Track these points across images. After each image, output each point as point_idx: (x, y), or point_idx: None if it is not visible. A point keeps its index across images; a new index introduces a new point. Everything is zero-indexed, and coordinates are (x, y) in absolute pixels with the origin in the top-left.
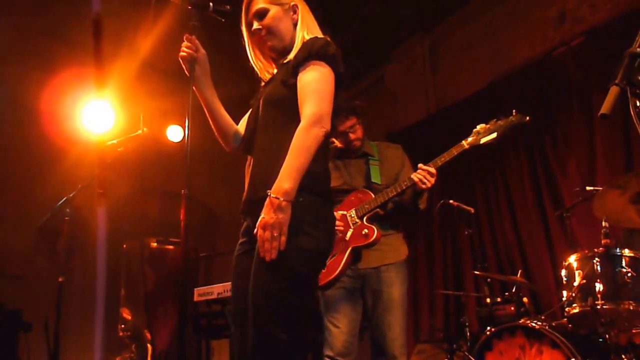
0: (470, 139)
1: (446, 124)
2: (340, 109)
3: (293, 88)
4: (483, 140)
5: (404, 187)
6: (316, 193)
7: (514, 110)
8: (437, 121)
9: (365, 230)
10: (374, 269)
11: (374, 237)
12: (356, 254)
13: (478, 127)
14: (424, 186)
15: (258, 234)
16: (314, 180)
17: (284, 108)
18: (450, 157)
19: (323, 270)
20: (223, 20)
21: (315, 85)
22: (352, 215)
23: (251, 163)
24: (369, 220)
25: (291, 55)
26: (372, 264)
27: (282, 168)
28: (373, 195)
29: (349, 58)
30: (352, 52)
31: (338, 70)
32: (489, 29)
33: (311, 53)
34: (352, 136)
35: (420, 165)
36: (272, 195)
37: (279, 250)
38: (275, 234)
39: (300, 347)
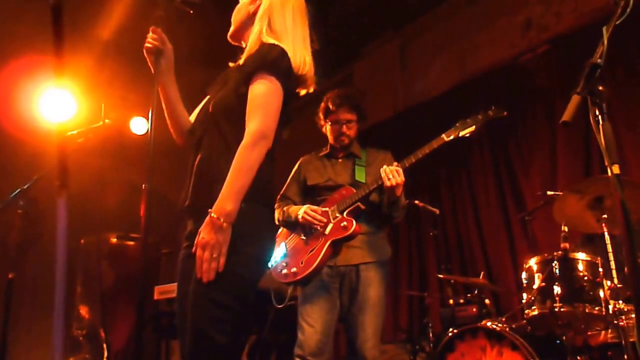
0: (450, 133)
1: (413, 123)
2: (350, 99)
3: (243, 98)
4: (462, 133)
5: (408, 164)
6: (258, 202)
7: (492, 106)
8: (405, 120)
9: (344, 223)
10: (353, 267)
11: (353, 229)
12: (336, 249)
13: (458, 123)
14: (388, 183)
15: (197, 253)
16: (256, 190)
17: (231, 118)
18: (431, 149)
19: (301, 265)
20: (191, 11)
21: (262, 99)
22: (334, 210)
23: (196, 164)
24: (350, 215)
25: (244, 55)
26: (352, 261)
27: (224, 187)
28: (355, 191)
29: (318, 54)
30: (322, 48)
31: (287, 86)
32: (458, 31)
33: (264, 64)
34: (345, 129)
35: (395, 162)
36: (213, 215)
37: (217, 270)
38: (214, 255)
39: (237, 351)
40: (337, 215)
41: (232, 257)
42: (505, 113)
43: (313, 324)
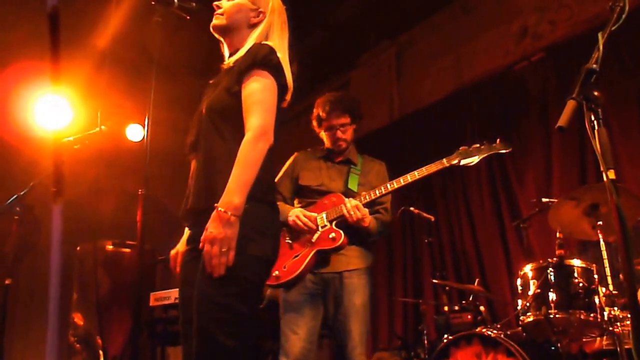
0: (451, 159)
1: (409, 130)
2: (340, 102)
3: (237, 95)
4: (464, 162)
5: (369, 199)
6: (262, 201)
7: (498, 139)
8: (400, 128)
9: (333, 234)
10: (337, 274)
11: (341, 241)
12: (321, 258)
13: (461, 148)
14: (349, 220)
15: (205, 248)
16: (259, 189)
17: (227, 116)
18: (429, 172)
19: (283, 270)
20: (188, 17)
21: (259, 95)
22: (323, 218)
23: (195, 167)
24: (338, 226)
25: (233, 59)
26: (335, 269)
27: (230, 181)
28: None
29: (315, 62)
30: (318, 56)
31: (280, 81)
32: (453, 39)
33: (255, 61)
34: (339, 134)
35: (358, 199)
36: (220, 209)
37: (227, 265)
38: (223, 250)
39: (246, 354)
40: (326, 223)
41: (235, 259)
42: (510, 149)
43: (297, 330)
